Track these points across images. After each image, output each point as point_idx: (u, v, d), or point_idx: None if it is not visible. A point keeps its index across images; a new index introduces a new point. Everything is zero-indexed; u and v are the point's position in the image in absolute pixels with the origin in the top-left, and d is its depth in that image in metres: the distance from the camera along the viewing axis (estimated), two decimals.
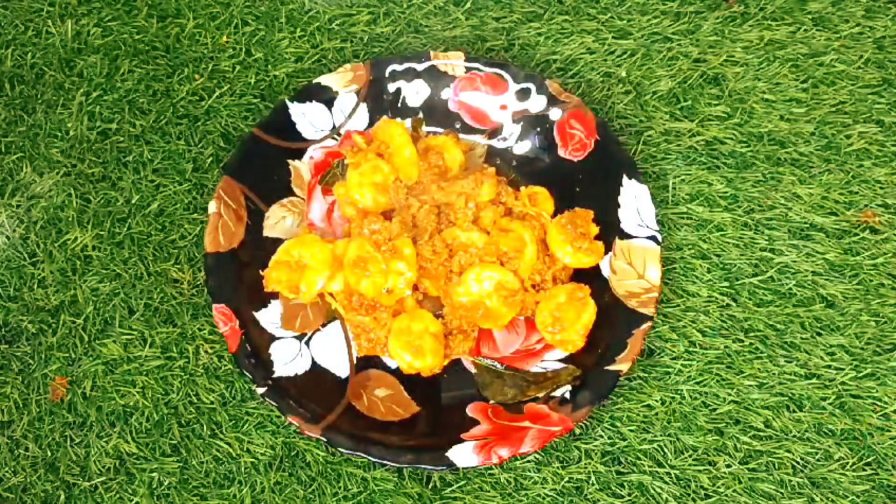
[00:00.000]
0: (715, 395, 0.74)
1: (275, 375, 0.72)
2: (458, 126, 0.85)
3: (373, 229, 0.76)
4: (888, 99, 0.89)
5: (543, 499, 0.70)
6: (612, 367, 0.71)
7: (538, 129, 0.84)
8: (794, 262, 0.80)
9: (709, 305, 0.78)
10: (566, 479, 0.71)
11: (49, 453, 0.72)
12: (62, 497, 0.71)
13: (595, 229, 0.78)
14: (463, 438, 0.69)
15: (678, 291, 0.79)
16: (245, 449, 0.72)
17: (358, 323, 0.75)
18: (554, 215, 0.80)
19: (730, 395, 0.74)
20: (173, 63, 0.90)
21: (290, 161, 0.82)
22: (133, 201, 0.83)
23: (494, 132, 0.85)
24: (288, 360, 0.73)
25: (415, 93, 0.85)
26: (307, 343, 0.75)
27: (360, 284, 0.74)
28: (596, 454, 0.72)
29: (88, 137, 0.86)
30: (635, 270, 0.76)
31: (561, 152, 0.83)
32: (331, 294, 0.77)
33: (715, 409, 0.74)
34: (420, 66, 0.85)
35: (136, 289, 0.79)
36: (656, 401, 0.74)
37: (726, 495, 0.70)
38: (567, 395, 0.71)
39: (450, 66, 0.85)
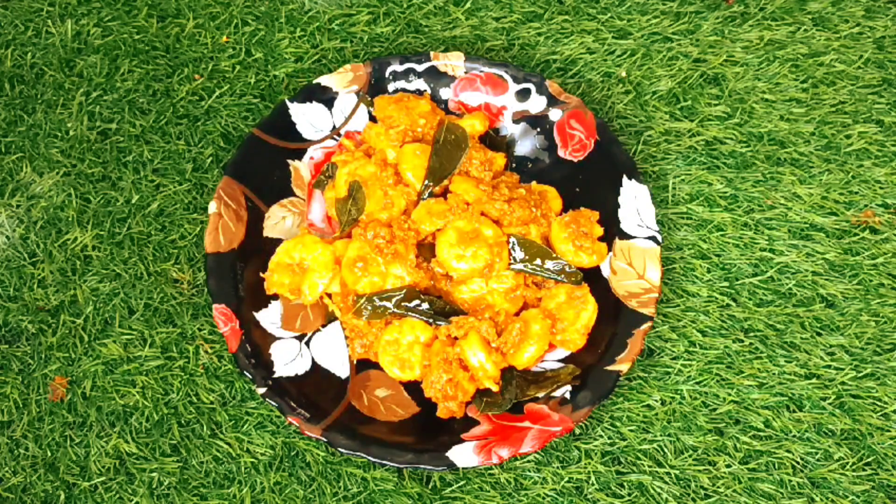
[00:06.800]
0: (715, 395, 0.74)
1: (275, 376, 0.72)
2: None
3: (377, 233, 0.75)
4: (888, 99, 0.89)
5: (543, 499, 0.70)
6: (612, 367, 0.71)
7: (538, 129, 0.84)
8: (794, 262, 0.80)
9: (709, 305, 0.78)
10: (566, 479, 0.71)
11: (49, 453, 0.72)
12: (62, 497, 0.71)
13: (599, 230, 0.78)
14: (463, 438, 0.69)
15: (678, 291, 0.79)
16: (245, 449, 0.72)
17: (353, 327, 0.75)
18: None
19: (730, 395, 0.74)
20: (173, 63, 0.91)
21: (290, 161, 0.82)
22: (133, 201, 0.83)
23: (495, 133, 0.85)
24: (288, 360, 0.73)
25: (414, 93, 0.85)
26: (307, 343, 0.75)
27: (358, 284, 0.74)
28: (596, 454, 0.72)
29: (88, 137, 0.86)
30: (635, 271, 0.76)
31: (561, 153, 0.83)
32: (328, 295, 0.77)
33: (715, 409, 0.74)
34: (420, 67, 0.85)
35: (136, 289, 0.79)
36: (656, 401, 0.74)
37: (726, 495, 0.70)
38: (567, 395, 0.71)
39: (450, 66, 0.85)
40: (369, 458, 0.67)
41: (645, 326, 0.72)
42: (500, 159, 0.81)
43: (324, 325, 0.77)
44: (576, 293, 0.75)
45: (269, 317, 0.76)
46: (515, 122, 0.85)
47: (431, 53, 0.85)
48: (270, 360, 0.73)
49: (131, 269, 0.79)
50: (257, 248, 0.78)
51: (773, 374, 0.75)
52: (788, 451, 0.72)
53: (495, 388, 0.72)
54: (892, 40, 0.93)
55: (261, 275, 0.76)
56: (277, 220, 0.80)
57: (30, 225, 0.82)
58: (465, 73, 0.85)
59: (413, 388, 0.74)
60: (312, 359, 0.75)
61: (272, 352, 0.73)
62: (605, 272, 0.77)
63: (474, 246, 0.74)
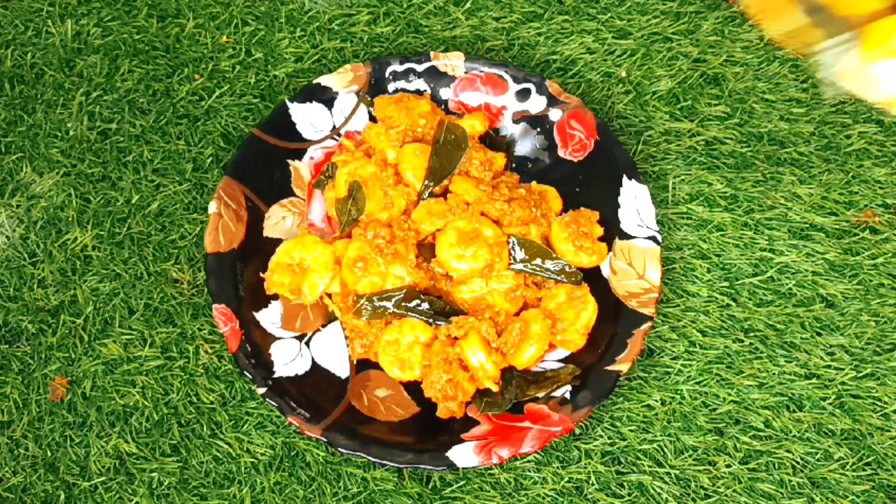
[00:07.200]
0: (715, 395, 0.74)
1: (275, 376, 0.72)
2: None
3: (377, 233, 0.75)
4: None
5: (543, 499, 0.70)
6: (612, 368, 0.71)
7: (538, 129, 0.84)
8: (794, 262, 0.80)
9: (709, 305, 0.78)
10: (566, 479, 0.71)
11: (49, 453, 0.72)
12: (62, 497, 0.71)
13: (599, 230, 0.78)
14: (463, 438, 0.69)
15: (678, 291, 0.79)
16: (245, 449, 0.72)
17: (353, 327, 0.75)
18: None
19: (730, 395, 0.74)
20: (173, 63, 0.91)
21: (290, 161, 0.82)
22: (133, 201, 0.83)
23: (495, 133, 0.85)
24: (288, 360, 0.73)
25: (414, 93, 0.85)
26: (307, 343, 0.75)
27: (358, 284, 0.74)
28: (596, 454, 0.72)
29: (88, 137, 0.86)
30: (635, 271, 0.76)
31: (561, 153, 0.83)
32: (328, 295, 0.77)
33: (715, 409, 0.74)
34: (420, 67, 0.85)
35: (136, 289, 0.79)
36: (656, 401, 0.74)
37: (726, 495, 0.70)
38: (567, 396, 0.71)
39: (450, 67, 0.85)
40: (369, 458, 0.67)
41: (645, 326, 0.72)
42: (500, 159, 0.81)
43: (324, 325, 0.77)
44: (576, 293, 0.75)
45: (269, 317, 0.76)
46: (515, 122, 0.85)
47: (431, 53, 0.85)
48: (270, 360, 0.73)
49: (131, 269, 0.80)
50: (257, 248, 0.78)
51: (773, 374, 0.75)
52: (788, 451, 0.72)
53: (495, 388, 0.72)
54: None
55: (261, 275, 0.76)
56: (277, 220, 0.80)
57: (30, 225, 0.82)
58: (465, 73, 0.85)
59: (413, 388, 0.74)
60: (312, 359, 0.75)
61: (272, 352, 0.73)
62: (605, 272, 0.77)
63: (474, 246, 0.74)
